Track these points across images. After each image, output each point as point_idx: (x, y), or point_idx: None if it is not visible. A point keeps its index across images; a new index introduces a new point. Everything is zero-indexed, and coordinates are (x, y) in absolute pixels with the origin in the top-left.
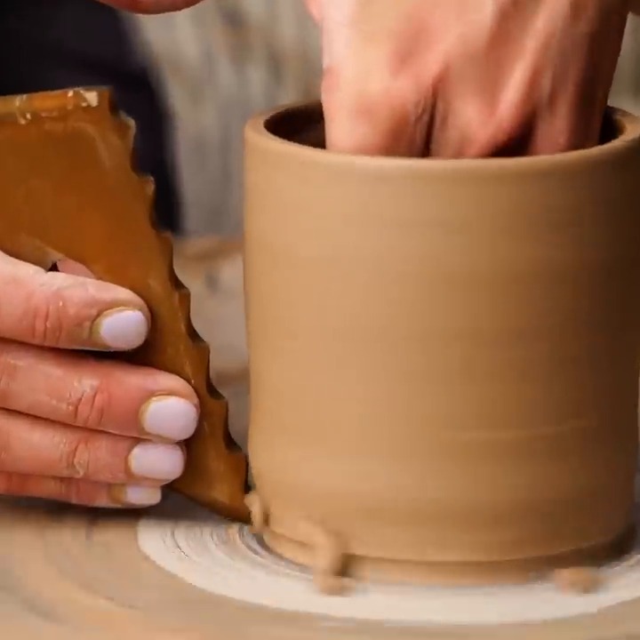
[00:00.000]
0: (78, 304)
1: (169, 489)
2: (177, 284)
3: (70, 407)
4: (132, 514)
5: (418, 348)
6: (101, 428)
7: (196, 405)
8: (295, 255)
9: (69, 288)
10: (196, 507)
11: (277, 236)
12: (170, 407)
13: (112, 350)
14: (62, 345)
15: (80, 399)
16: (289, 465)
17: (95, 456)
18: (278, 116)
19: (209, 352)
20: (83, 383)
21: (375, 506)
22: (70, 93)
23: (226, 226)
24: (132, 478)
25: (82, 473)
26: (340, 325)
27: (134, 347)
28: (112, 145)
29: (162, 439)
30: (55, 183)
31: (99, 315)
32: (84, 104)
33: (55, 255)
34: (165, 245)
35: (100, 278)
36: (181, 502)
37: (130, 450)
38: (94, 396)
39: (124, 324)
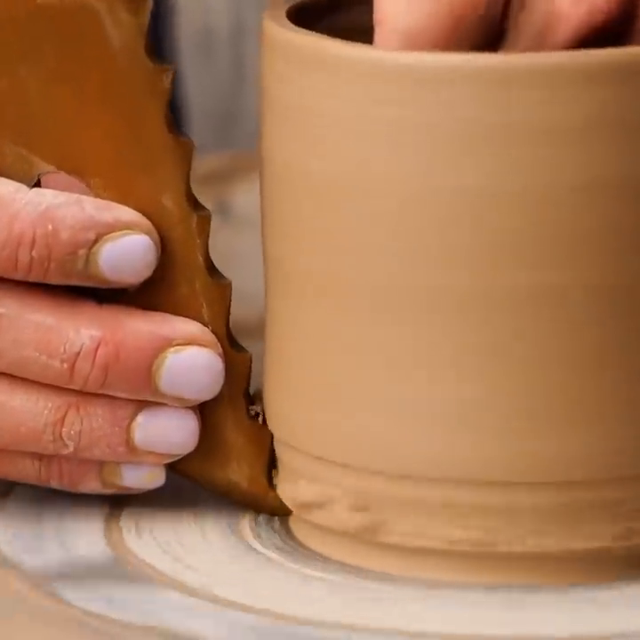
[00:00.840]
0: (72, 227)
1: (169, 470)
2: (195, 203)
3: (65, 365)
4: (107, 503)
5: (480, 287)
6: (103, 392)
7: (221, 356)
8: (324, 177)
9: (61, 207)
10: (194, 493)
11: (302, 153)
12: (191, 359)
13: (112, 286)
14: (51, 279)
15: (78, 354)
16: (319, 432)
17: (89, 426)
18: (304, 3)
19: (231, 291)
20: (81, 333)
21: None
22: None
23: (238, 138)
24: (133, 453)
25: (71, 447)
26: (381, 263)
27: (140, 281)
28: (122, 23)
29: (179, 401)
30: (48, 73)
31: (97, 240)
32: None
33: (44, 167)
34: (184, 153)
35: (98, 195)
36: (174, 488)
37: (133, 417)
38: (96, 350)
39: (129, 251)
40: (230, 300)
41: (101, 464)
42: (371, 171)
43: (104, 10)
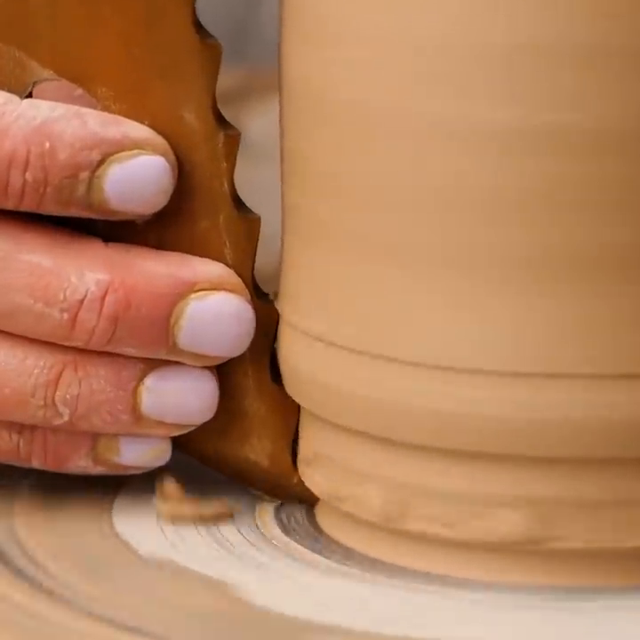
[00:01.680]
0: (72, 145)
1: (175, 447)
2: (221, 119)
3: (65, 315)
4: (104, 486)
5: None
6: (109, 349)
7: (250, 303)
8: (354, 100)
9: (59, 121)
10: (200, 473)
11: (329, 70)
12: (217, 307)
13: (118, 218)
14: (47, 208)
15: (81, 302)
16: (348, 385)
17: (88, 389)
18: None
19: (259, 228)
20: (85, 277)
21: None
22: None
23: (253, 51)
24: (139, 423)
25: (66, 415)
26: (419, 194)
27: (152, 211)
28: None
29: (198, 359)
30: None
31: (102, 161)
32: None
33: (41, 73)
34: (211, 58)
35: (107, 108)
36: (180, 467)
37: (141, 379)
38: (103, 297)
39: (140, 175)
40: (257, 239)
41: (95, 437)
42: (401, 97)
43: None
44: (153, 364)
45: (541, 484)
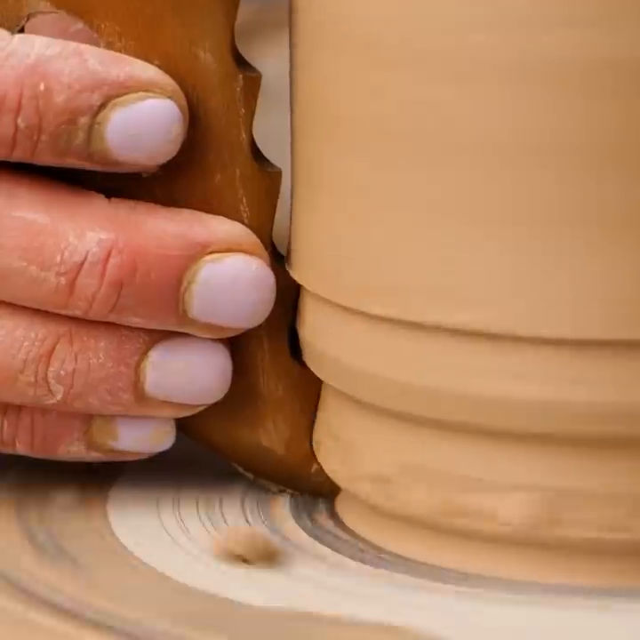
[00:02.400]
0: (70, 86)
1: (180, 430)
2: (239, 59)
3: (62, 279)
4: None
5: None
6: (110, 319)
7: (270, 267)
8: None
9: (55, 59)
10: (209, 462)
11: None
12: (233, 271)
13: (122, 170)
14: (41, 158)
15: (81, 265)
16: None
17: (86, 364)
18: None
19: (280, 183)
20: (86, 237)
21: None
22: None
23: None
24: (142, 403)
25: (59, 394)
26: (473, 147)
27: (159, 162)
28: None
29: (211, 331)
30: None
31: (104, 105)
32: None
33: (36, 4)
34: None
35: (110, 45)
36: (184, 457)
37: (145, 352)
38: (106, 260)
39: (146, 120)
40: (277, 195)
41: (89, 418)
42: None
43: None
44: (158, 336)
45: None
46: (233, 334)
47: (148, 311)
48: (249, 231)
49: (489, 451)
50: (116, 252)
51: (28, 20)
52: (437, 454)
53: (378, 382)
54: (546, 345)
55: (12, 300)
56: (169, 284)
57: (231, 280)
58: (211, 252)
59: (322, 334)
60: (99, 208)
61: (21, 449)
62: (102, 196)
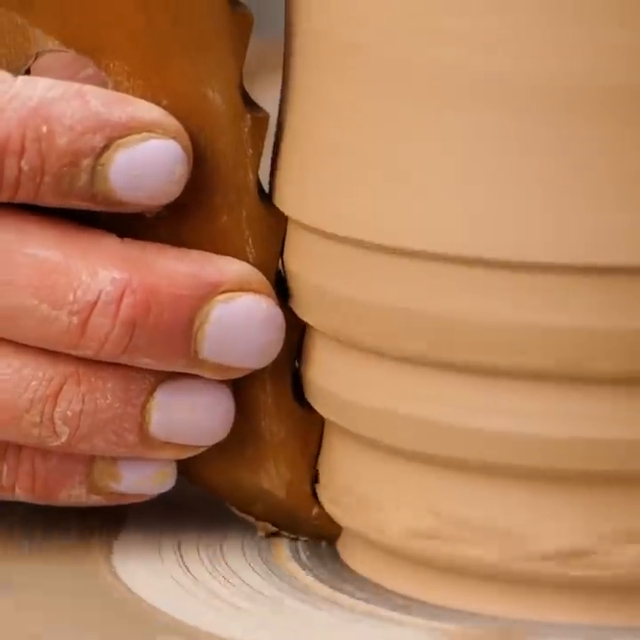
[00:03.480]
0: (72, 128)
1: (178, 473)
2: (247, 99)
3: (74, 319)
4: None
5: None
6: (123, 360)
7: (279, 306)
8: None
9: (58, 101)
10: (208, 508)
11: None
12: (245, 311)
13: (124, 210)
14: (44, 199)
15: (94, 304)
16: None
17: (93, 405)
18: None
19: (285, 225)
20: (99, 276)
21: None
22: None
23: (268, 25)
24: (146, 444)
25: (64, 436)
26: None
27: (163, 203)
28: None
29: (220, 371)
30: None
31: (107, 146)
32: None
33: (45, 42)
34: (241, 29)
35: (118, 85)
36: (183, 501)
37: (150, 393)
38: (120, 299)
39: (150, 161)
40: (284, 236)
41: (91, 461)
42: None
43: None
44: (163, 377)
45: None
46: (240, 375)
47: (159, 352)
48: (257, 271)
49: (530, 494)
50: (130, 291)
51: (35, 58)
52: (476, 500)
53: (402, 422)
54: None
55: (21, 339)
56: (181, 323)
57: (243, 319)
58: (222, 292)
59: (331, 374)
60: (110, 246)
61: (22, 494)
62: (113, 234)
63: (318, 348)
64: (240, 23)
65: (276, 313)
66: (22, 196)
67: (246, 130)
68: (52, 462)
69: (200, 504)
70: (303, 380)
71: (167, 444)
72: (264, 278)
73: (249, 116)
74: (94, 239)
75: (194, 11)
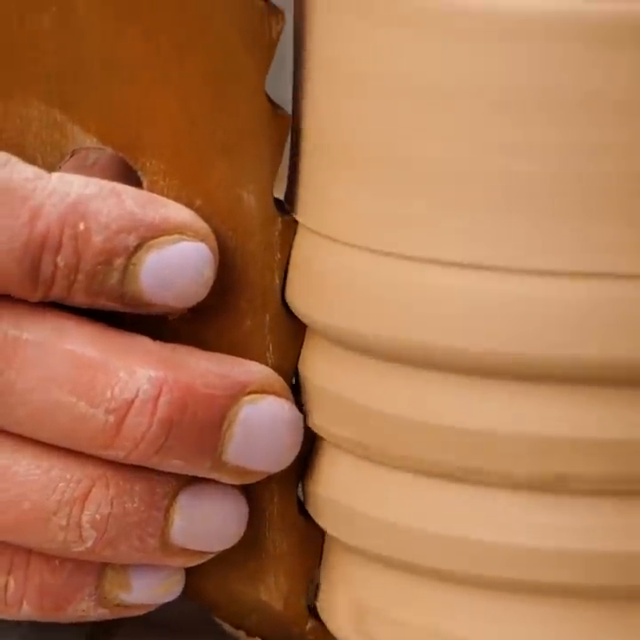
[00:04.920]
0: (108, 227)
1: None
2: (277, 202)
3: (111, 417)
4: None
5: None
6: (154, 462)
7: (297, 409)
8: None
9: (94, 199)
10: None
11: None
12: (270, 412)
13: (151, 311)
14: (76, 299)
15: (131, 402)
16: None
17: (121, 508)
18: None
19: (304, 330)
20: (137, 374)
21: None
22: None
23: None
24: (164, 550)
25: (90, 541)
26: None
27: (189, 305)
28: None
29: (239, 475)
30: (115, 6)
31: (139, 246)
32: None
33: (83, 140)
34: (280, 132)
35: (154, 184)
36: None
37: (174, 496)
38: (157, 397)
39: (180, 263)
40: (302, 343)
41: (102, 571)
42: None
43: None
44: (185, 480)
45: None
46: (255, 480)
47: (189, 453)
48: (277, 375)
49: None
50: (167, 389)
51: (72, 155)
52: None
53: (417, 538)
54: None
55: (53, 439)
56: (213, 423)
57: (268, 421)
58: (249, 393)
59: (346, 489)
60: (144, 346)
61: (28, 611)
62: (143, 335)
63: (327, 459)
64: (279, 126)
65: (298, 416)
66: (55, 294)
67: (276, 233)
68: (62, 575)
69: (185, 623)
70: (306, 492)
71: (183, 550)
72: (284, 382)
73: (280, 219)
74: (128, 338)
75: (236, 112)
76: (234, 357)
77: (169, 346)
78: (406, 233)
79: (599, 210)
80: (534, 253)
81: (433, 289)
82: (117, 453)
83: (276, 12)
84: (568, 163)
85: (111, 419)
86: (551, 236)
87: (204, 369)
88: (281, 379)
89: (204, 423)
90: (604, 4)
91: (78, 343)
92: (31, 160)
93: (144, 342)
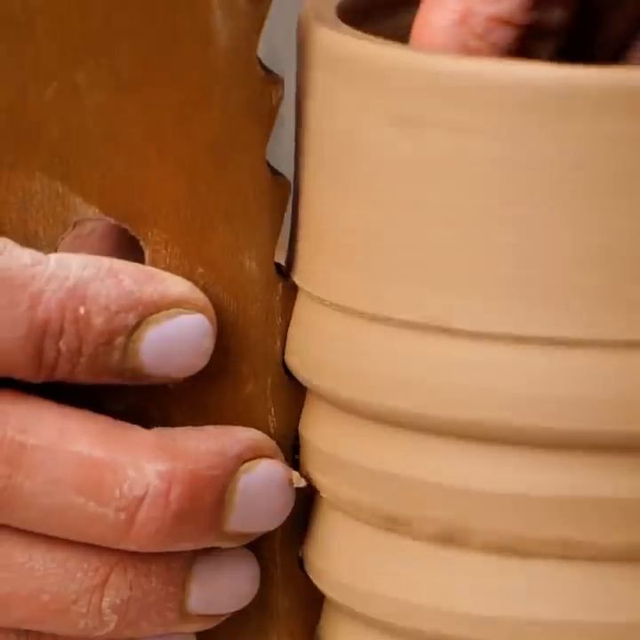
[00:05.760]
0: (108, 308)
1: None
2: (277, 266)
3: (122, 515)
4: None
5: None
6: (167, 549)
7: (288, 467)
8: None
9: (93, 281)
10: None
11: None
12: (266, 477)
13: (151, 382)
14: (79, 378)
15: (141, 499)
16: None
17: (140, 591)
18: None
19: (305, 393)
20: (144, 470)
21: None
22: None
23: None
24: (184, 620)
25: (112, 624)
26: None
27: (188, 374)
28: (239, 12)
29: (241, 538)
30: (115, 79)
31: (139, 324)
32: None
33: (85, 211)
34: (281, 198)
35: (156, 254)
36: None
37: (188, 569)
38: (168, 492)
39: (179, 337)
40: (303, 407)
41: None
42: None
43: None
44: (196, 553)
45: None
46: (251, 540)
47: (197, 534)
48: (266, 436)
49: None
50: (177, 482)
51: (74, 227)
52: None
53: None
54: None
55: (67, 535)
56: (217, 502)
57: (264, 486)
58: (246, 461)
59: (345, 559)
60: (144, 437)
61: None
62: (139, 426)
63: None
64: (279, 192)
65: (290, 474)
66: (58, 376)
67: (277, 298)
68: None
69: None
70: (304, 557)
71: (200, 617)
72: (272, 442)
73: (281, 284)
74: (128, 431)
75: (238, 180)
76: (223, 428)
77: (166, 431)
78: (405, 300)
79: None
80: (545, 323)
81: (432, 358)
82: (131, 546)
83: (276, 81)
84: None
85: (122, 516)
86: (562, 307)
87: (204, 451)
88: (268, 438)
89: (210, 504)
90: (587, 75)
91: (84, 444)
92: (32, 234)
93: (142, 433)
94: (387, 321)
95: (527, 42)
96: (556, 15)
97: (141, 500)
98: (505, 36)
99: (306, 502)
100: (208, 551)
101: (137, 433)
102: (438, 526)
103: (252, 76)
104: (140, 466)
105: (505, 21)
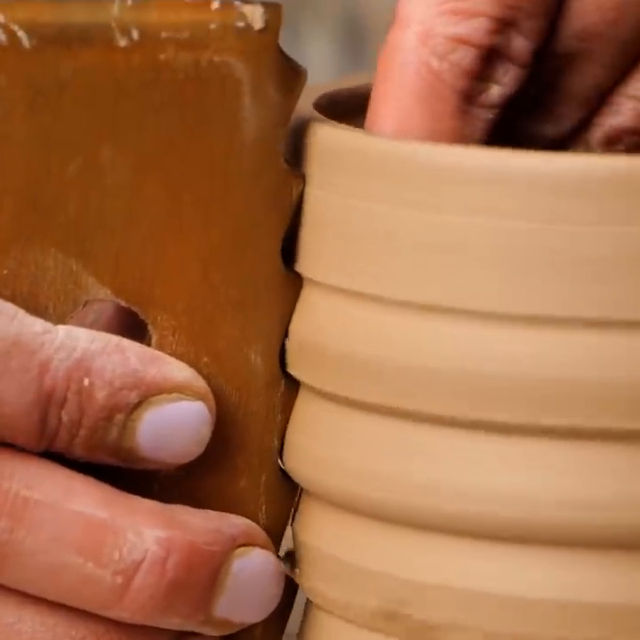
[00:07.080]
0: (111, 383)
1: None
2: (283, 362)
3: (118, 578)
4: None
5: None
6: (157, 621)
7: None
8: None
9: (99, 355)
10: None
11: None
12: (259, 566)
13: (145, 467)
14: (75, 452)
15: (139, 564)
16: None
17: None
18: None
19: (296, 492)
20: (144, 535)
21: None
22: (215, 3)
23: None
24: None
25: None
26: None
27: (182, 462)
28: (268, 102)
29: (227, 627)
30: (140, 159)
31: (140, 403)
32: (239, 24)
33: (97, 291)
34: (293, 294)
35: (162, 339)
36: None
37: None
38: (165, 559)
39: (177, 421)
40: (293, 503)
41: None
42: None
43: (249, 80)
44: (176, 634)
45: None
46: (235, 631)
47: (189, 609)
48: (257, 525)
49: None
50: (175, 550)
51: (85, 305)
52: None
53: None
54: None
55: (58, 598)
56: (211, 579)
57: (256, 574)
58: (240, 545)
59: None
60: (146, 505)
61: None
62: (137, 487)
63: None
64: (291, 287)
65: (282, 567)
66: (56, 447)
67: (279, 394)
68: None
69: None
70: None
71: None
72: (266, 535)
73: (283, 381)
74: (130, 498)
75: (251, 272)
76: (216, 512)
77: (168, 507)
78: (402, 390)
79: None
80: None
81: (434, 451)
82: (121, 614)
83: (298, 176)
84: None
85: (119, 580)
86: None
87: (202, 526)
88: (261, 529)
89: (204, 580)
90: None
91: (87, 504)
92: (42, 308)
93: (142, 500)
94: (385, 414)
95: (489, 65)
96: (519, 43)
97: (139, 564)
98: (465, 56)
99: (287, 596)
100: (187, 636)
101: (139, 500)
102: (426, 623)
103: (276, 168)
104: (140, 531)
105: (464, 41)
